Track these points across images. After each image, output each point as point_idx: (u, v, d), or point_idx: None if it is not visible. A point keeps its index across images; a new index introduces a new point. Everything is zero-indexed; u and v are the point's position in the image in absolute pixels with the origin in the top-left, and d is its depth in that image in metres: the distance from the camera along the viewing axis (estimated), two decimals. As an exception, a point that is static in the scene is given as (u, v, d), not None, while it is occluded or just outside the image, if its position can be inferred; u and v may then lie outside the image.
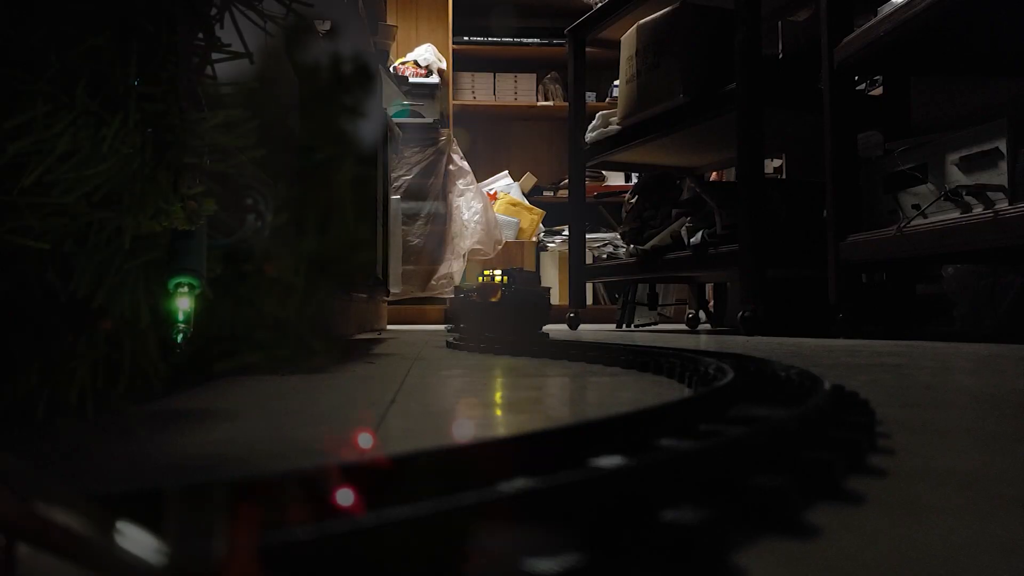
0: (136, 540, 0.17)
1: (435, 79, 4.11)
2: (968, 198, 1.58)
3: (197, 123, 0.40)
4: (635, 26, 2.58)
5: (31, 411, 0.44)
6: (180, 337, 0.43)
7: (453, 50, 4.27)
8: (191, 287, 0.44)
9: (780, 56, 2.34)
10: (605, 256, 3.51)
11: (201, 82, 0.41)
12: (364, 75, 0.67)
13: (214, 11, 0.42)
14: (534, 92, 4.47)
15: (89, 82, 0.37)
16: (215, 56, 0.42)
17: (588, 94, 3.76)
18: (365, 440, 0.43)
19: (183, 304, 0.44)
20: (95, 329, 0.45)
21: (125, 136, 0.38)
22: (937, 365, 0.99)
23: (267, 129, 0.46)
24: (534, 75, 4.48)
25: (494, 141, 4.60)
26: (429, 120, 3.97)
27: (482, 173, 4.23)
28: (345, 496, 0.25)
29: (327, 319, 0.58)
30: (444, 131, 3.97)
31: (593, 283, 4.03)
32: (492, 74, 4.45)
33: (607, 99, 4.36)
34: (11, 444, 0.44)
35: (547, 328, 1.62)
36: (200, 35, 0.41)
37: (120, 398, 0.45)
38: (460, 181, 3.78)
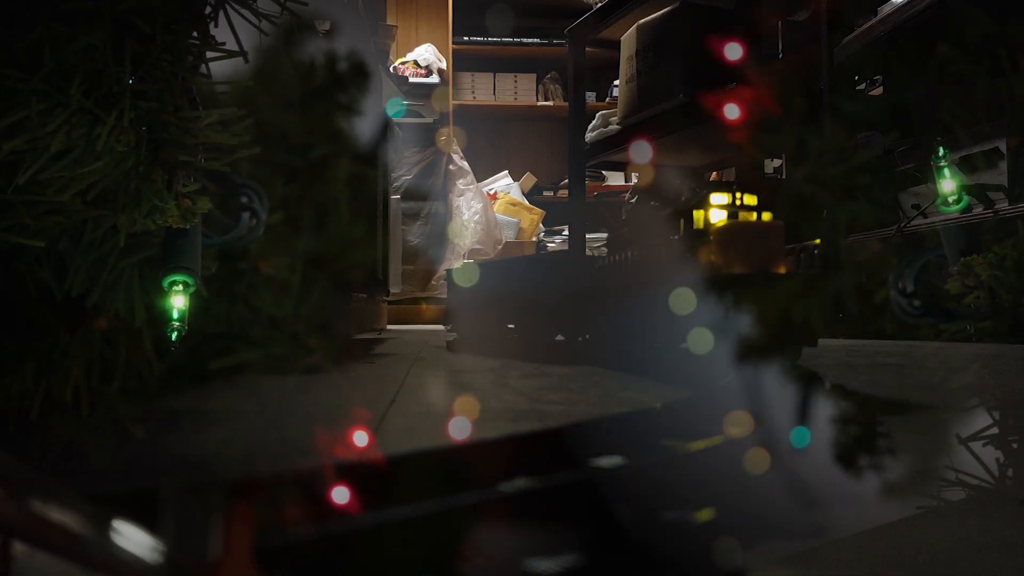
0: (133, 539, 0.17)
1: (435, 79, 4.11)
2: (968, 198, 1.58)
3: (192, 121, 0.40)
4: (635, 26, 2.58)
5: (26, 410, 0.44)
6: (175, 335, 0.43)
7: (453, 50, 4.27)
8: (186, 285, 0.44)
9: (780, 56, 2.34)
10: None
11: (196, 80, 0.41)
12: (361, 73, 0.67)
13: (208, 9, 0.42)
14: (534, 92, 4.47)
15: (84, 81, 0.37)
16: (210, 55, 0.42)
17: (588, 94, 3.75)
18: (362, 440, 0.43)
19: (178, 302, 0.44)
20: (90, 327, 0.45)
21: (120, 134, 0.37)
22: (937, 365, 0.99)
23: (263, 127, 0.46)
24: (534, 75, 4.48)
25: (494, 141, 4.59)
26: (429, 120, 3.97)
27: (482, 173, 4.22)
28: (342, 496, 0.25)
29: (325, 317, 0.58)
30: (444, 131, 3.97)
31: (593, 283, 4.02)
32: (492, 74, 4.44)
33: (607, 99, 4.35)
34: (6, 443, 0.44)
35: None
36: (195, 34, 0.41)
37: (115, 396, 0.45)
38: (460, 181, 3.78)
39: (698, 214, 0.73)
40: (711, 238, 0.71)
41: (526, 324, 0.94)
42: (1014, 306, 0.75)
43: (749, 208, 0.76)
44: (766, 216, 0.75)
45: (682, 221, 0.73)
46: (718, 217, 0.73)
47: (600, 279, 0.92)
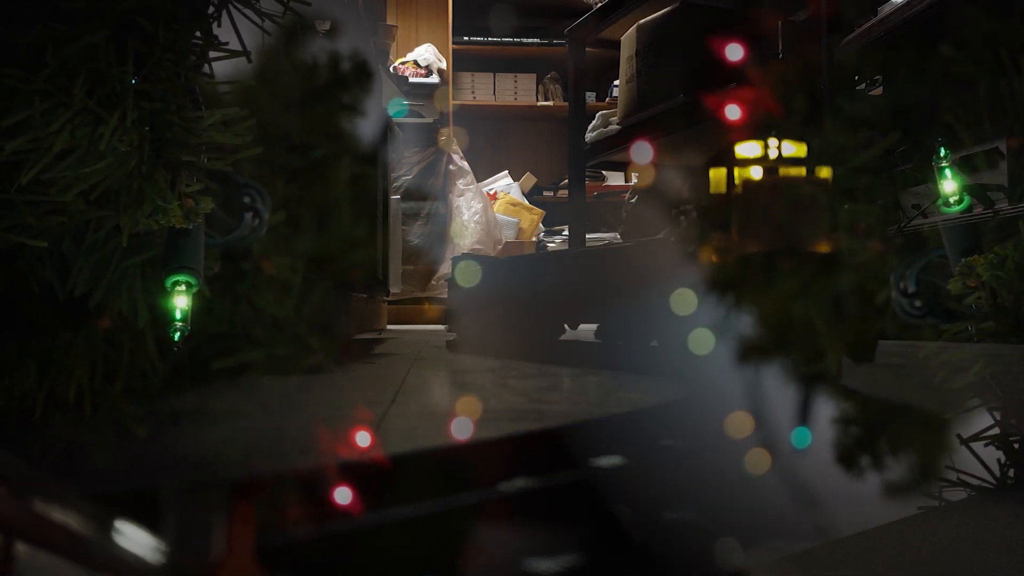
0: (134, 539, 0.17)
1: (435, 79, 4.11)
2: (970, 198, 1.58)
3: (195, 121, 0.40)
4: (635, 26, 2.58)
5: (29, 409, 0.44)
6: (178, 335, 0.44)
7: (453, 50, 4.27)
8: (188, 285, 0.44)
9: (780, 56, 2.34)
10: (605, 256, 3.50)
11: (199, 80, 0.41)
12: (364, 73, 0.67)
13: (211, 9, 0.42)
14: (534, 92, 4.48)
15: (86, 80, 0.37)
16: (212, 54, 0.42)
17: (588, 94, 3.75)
18: (363, 440, 0.43)
19: (181, 302, 0.44)
20: (93, 327, 0.45)
21: (123, 134, 0.38)
22: (937, 364, 0.99)
23: (265, 127, 0.46)
24: (534, 75, 4.48)
25: (494, 141, 4.59)
26: (429, 120, 3.98)
27: (482, 173, 4.22)
28: (343, 496, 0.25)
29: (326, 317, 0.58)
30: (444, 131, 3.97)
31: (593, 283, 4.01)
32: (492, 74, 4.45)
33: (607, 99, 4.35)
34: (8, 442, 0.44)
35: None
36: (197, 33, 0.41)
37: (118, 396, 0.45)
38: (460, 181, 3.78)
39: (717, 173, 0.49)
40: (730, 204, 0.46)
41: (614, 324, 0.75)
42: (1015, 306, 0.75)
43: (794, 162, 0.50)
44: (824, 173, 0.47)
45: (696, 188, 0.48)
46: (754, 175, 0.47)
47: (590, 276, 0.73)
